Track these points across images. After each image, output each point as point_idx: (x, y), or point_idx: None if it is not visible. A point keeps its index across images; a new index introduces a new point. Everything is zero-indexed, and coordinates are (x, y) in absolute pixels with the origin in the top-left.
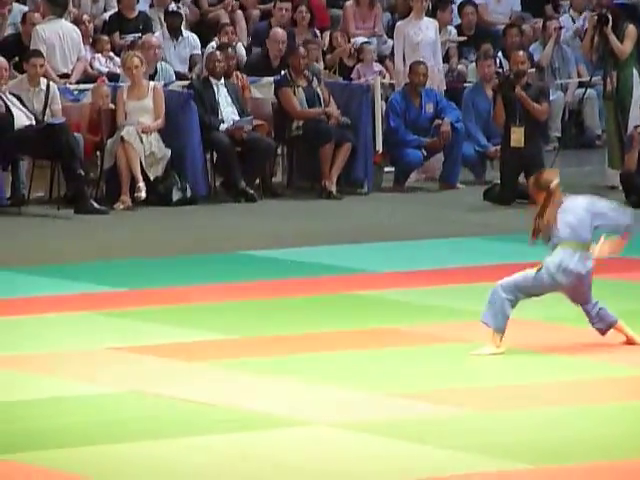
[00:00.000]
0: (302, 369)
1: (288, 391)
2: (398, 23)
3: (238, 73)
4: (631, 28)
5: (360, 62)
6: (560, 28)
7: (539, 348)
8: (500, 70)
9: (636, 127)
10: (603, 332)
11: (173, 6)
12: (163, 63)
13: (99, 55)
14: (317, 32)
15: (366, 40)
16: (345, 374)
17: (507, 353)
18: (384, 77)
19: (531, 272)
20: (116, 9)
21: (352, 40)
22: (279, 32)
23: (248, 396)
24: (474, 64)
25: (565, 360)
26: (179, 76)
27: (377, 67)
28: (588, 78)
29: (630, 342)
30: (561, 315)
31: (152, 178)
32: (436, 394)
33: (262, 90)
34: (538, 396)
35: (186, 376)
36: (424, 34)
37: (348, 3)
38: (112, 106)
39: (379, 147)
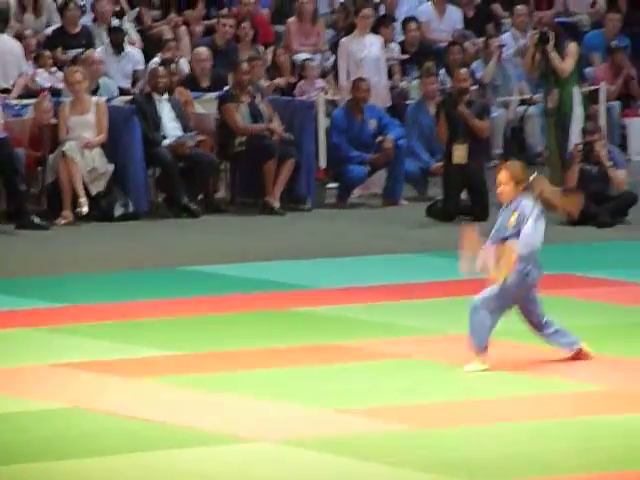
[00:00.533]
0: (246, 385)
1: (232, 407)
2: (342, 39)
3: (181, 88)
4: (572, 46)
5: (303, 79)
6: (502, 46)
7: (488, 364)
8: (443, 87)
9: (577, 144)
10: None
11: (116, 22)
12: (106, 78)
13: (41, 70)
14: (261, 48)
15: (308, 57)
16: (290, 390)
17: (455, 369)
18: (326, 93)
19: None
20: (59, 24)
21: (294, 57)
22: (202, 51)
23: (192, 413)
24: (417, 81)
25: (513, 376)
26: (122, 91)
27: (320, 83)
28: (529, 96)
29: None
30: (511, 331)
31: (94, 193)
32: (381, 410)
33: (205, 106)
34: (484, 412)
35: (127, 392)
36: (368, 50)
37: (291, 19)
38: (54, 121)
39: (322, 163)
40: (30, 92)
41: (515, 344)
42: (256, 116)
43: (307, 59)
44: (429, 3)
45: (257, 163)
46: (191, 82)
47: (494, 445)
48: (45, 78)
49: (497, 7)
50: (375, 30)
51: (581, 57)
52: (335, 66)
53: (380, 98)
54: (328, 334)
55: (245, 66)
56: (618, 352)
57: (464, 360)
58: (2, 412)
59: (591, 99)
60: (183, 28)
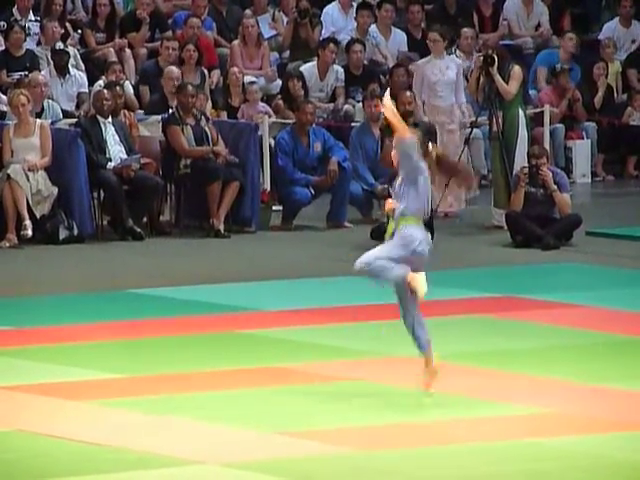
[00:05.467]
0: (191, 408)
1: (178, 430)
2: (418, 62)
3: (126, 111)
4: (516, 69)
5: (246, 102)
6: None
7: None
8: None
9: (522, 167)
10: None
11: (60, 44)
12: (50, 101)
13: None
14: (205, 71)
15: (251, 80)
16: (234, 413)
17: (402, 391)
18: (270, 116)
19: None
20: (2, 47)
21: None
22: (173, 70)
23: (137, 435)
24: (361, 104)
25: (460, 399)
26: (66, 114)
27: (262, 107)
28: (474, 118)
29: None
30: (453, 352)
31: (39, 216)
32: (324, 433)
33: (150, 128)
34: (431, 435)
35: (73, 415)
36: (442, 73)
37: (235, 42)
38: None
39: (267, 186)
40: None
41: (462, 367)
42: (201, 138)
43: (250, 82)
44: (374, 25)
45: (202, 185)
46: (161, 103)
47: (442, 467)
48: None
49: None
50: (317, 53)
51: (525, 79)
52: (281, 89)
53: (455, 120)
54: (272, 357)
55: (190, 89)
56: (564, 374)
57: (410, 382)
58: None
59: (536, 121)
60: (128, 50)
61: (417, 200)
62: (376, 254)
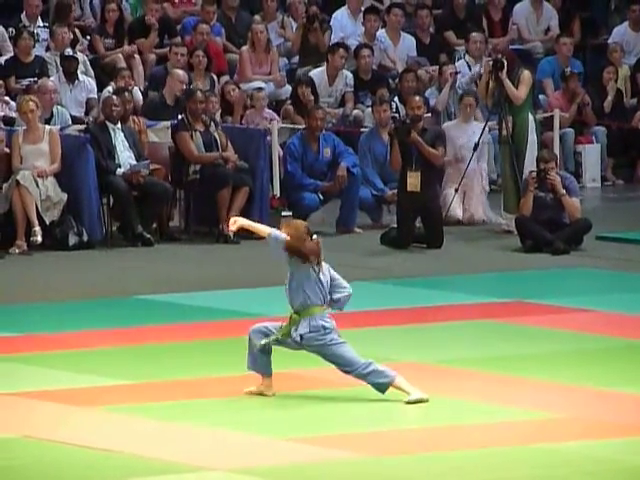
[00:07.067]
0: (200, 414)
1: (187, 436)
2: (447, 123)
3: (135, 117)
4: (526, 73)
5: (251, 108)
6: (456, 73)
7: (434, 392)
8: (396, 115)
9: (531, 172)
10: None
11: (69, 50)
12: (59, 107)
13: None
14: (214, 77)
15: (258, 87)
16: (240, 419)
17: (401, 397)
18: (278, 122)
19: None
20: (12, 53)
21: (245, 86)
22: (179, 73)
23: (146, 442)
24: (370, 109)
25: (462, 403)
26: (75, 120)
27: (268, 113)
28: (484, 123)
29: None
30: (461, 357)
31: (48, 222)
32: (328, 438)
33: (159, 134)
34: (438, 441)
35: (82, 422)
36: (468, 138)
37: (244, 48)
38: (7, 150)
39: (276, 191)
40: None
41: (470, 372)
42: (210, 144)
43: (256, 89)
44: (383, 30)
45: (211, 191)
46: (160, 103)
47: (447, 473)
48: None
49: (450, 34)
50: (325, 57)
51: (534, 84)
52: (291, 95)
53: (477, 182)
54: (278, 362)
55: (199, 95)
56: (571, 379)
57: (419, 388)
58: None
59: (545, 126)
60: (137, 57)
61: None
62: None
